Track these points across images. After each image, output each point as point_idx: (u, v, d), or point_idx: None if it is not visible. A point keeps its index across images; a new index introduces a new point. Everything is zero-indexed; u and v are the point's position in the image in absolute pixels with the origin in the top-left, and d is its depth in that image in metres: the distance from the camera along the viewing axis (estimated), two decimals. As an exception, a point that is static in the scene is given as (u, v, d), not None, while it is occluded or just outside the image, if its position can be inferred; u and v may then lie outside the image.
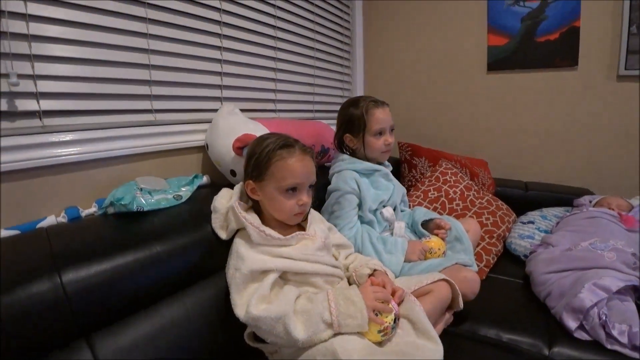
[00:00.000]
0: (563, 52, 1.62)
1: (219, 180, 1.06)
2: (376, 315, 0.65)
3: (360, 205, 1.03)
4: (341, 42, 1.90)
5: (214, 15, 1.12)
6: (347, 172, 1.04)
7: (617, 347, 0.78)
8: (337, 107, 1.17)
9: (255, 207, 0.80)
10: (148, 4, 0.93)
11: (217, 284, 0.74)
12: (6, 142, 0.70)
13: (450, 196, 1.40)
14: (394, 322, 0.67)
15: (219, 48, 1.16)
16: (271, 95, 1.42)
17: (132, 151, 0.92)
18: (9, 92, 0.71)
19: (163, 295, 0.68)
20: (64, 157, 0.79)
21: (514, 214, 1.45)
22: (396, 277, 0.91)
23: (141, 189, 0.79)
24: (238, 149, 0.93)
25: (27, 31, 0.72)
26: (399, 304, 0.72)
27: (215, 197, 0.81)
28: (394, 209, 1.10)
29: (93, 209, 0.81)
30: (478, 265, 1.15)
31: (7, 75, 0.69)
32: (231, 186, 0.85)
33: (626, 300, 0.86)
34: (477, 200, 1.40)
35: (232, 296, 0.67)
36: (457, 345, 0.86)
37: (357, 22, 1.99)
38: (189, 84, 1.09)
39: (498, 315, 0.94)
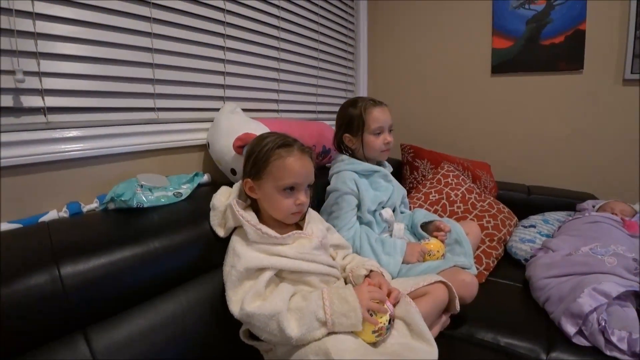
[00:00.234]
0: (568, 56, 1.61)
1: (219, 179, 1.07)
2: (371, 315, 0.65)
3: (359, 206, 1.03)
4: (345, 43, 1.91)
5: (218, 15, 1.14)
6: (346, 172, 1.04)
7: (616, 354, 0.77)
8: (340, 109, 1.18)
9: (254, 206, 0.80)
10: (153, 3, 0.94)
11: (213, 281, 0.75)
12: (11, 137, 0.72)
13: (451, 199, 1.40)
14: (389, 322, 0.67)
15: (222, 48, 1.17)
16: (274, 96, 1.43)
17: (134, 148, 0.93)
18: (15, 89, 0.72)
19: (159, 291, 0.68)
20: (67, 153, 0.80)
21: (516, 218, 1.44)
22: (393, 278, 0.91)
23: (142, 186, 0.80)
24: (238, 147, 0.93)
25: (33, 29, 0.73)
26: (394, 305, 0.72)
27: (214, 195, 0.82)
28: (393, 210, 1.10)
29: (94, 204, 0.82)
30: (478, 269, 1.14)
31: (13, 72, 0.70)
32: (231, 185, 0.86)
33: (626, 306, 0.85)
34: (479, 203, 1.39)
35: (227, 293, 0.68)
36: (454, 349, 0.86)
37: (361, 23, 1.99)
38: (192, 83, 1.10)
39: (496, 319, 0.94)
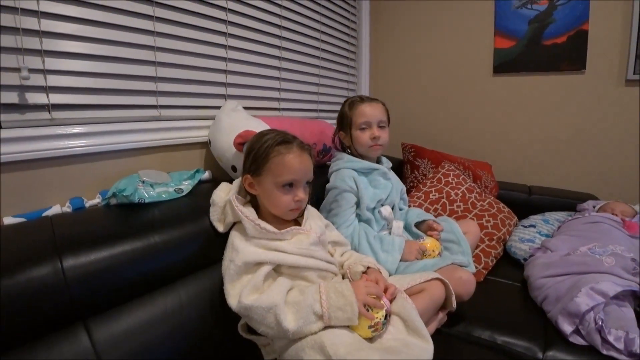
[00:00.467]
0: (570, 56, 1.60)
1: (220, 176, 1.08)
2: (367, 310, 0.66)
3: (358, 204, 1.04)
4: (347, 42, 1.91)
5: (220, 14, 1.15)
6: (345, 170, 1.05)
7: (613, 353, 0.77)
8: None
9: (253, 202, 0.81)
10: (156, 2, 0.96)
11: (212, 276, 0.76)
12: (16, 133, 0.73)
13: (451, 198, 1.40)
14: (385, 318, 0.68)
15: (224, 46, 1.18)
16: (275, 94, 1.44)
17: (136, 145, 0.95)
18: (20, 86, 0.74)
19: (159, 285, 0.70)
20: (70, 149, 0.81)
21: (516, 217, 1.44)
22: (390, 275, 0.91)
23: (143, 182, 0.82)
24: (239, 144, 0.94)
25: (38, 27, 0.75)
26: (391, 301, 0.72)
27: (214, 190, 0.83)
28: (392, 208, 1.11)
29: (97, 199, 0.84)
30: (476, 267, 1.15)
31: (18, 70, 0.72)
32: (231, 181, 0.87)
33: (624, 305, 0.85)
34: (479, 203, 1.39)
35: (225, 286, 0.69)
36: (451, 346, 0.86)
37: (363, 22, 1.99)
38: (194, 81, 1.11)
39: (493, 318, 0.94)
